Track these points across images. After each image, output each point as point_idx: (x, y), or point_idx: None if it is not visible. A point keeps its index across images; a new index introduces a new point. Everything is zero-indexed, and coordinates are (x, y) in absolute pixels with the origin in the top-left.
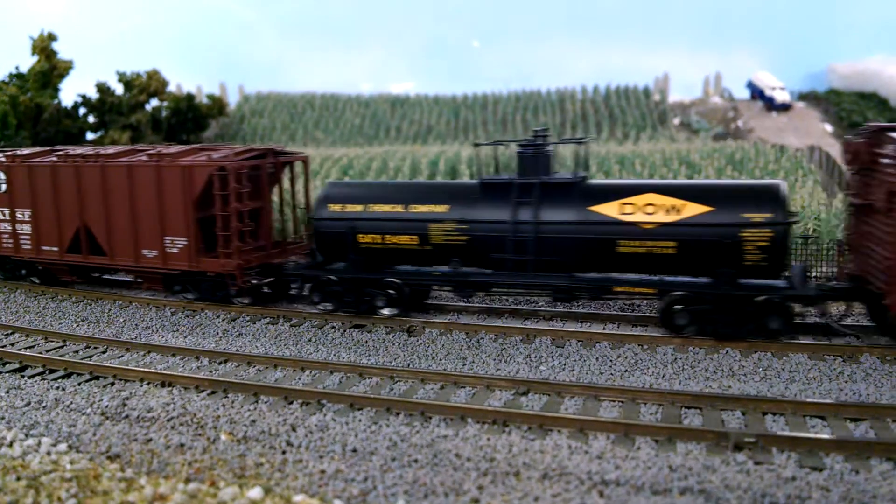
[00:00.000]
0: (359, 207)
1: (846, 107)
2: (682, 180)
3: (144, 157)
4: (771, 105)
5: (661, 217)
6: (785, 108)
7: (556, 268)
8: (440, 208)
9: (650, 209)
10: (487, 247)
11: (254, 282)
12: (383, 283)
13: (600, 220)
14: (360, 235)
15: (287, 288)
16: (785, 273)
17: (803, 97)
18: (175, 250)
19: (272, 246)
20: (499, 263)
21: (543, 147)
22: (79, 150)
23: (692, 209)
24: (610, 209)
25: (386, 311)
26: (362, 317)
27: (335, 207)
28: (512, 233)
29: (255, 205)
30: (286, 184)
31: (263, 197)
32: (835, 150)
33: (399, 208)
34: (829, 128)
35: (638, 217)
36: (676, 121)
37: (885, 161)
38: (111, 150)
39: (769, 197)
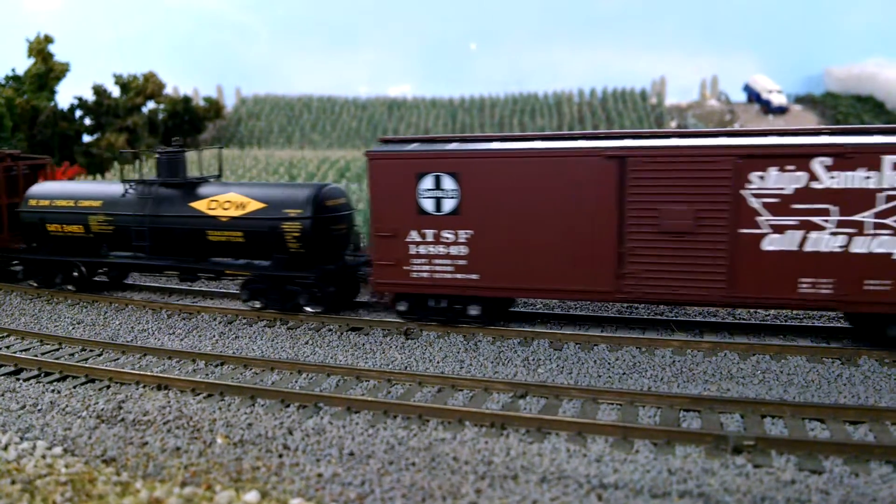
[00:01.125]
0: (47, 202)
1: (843, 110)
2: (255, 182)
3: None
4: (768, 108)
5: (233, 212)
6: (781, 111)
7: (171, 252)
8: (96, 203)
9: (227, 206)
10: (126, 235)
11: None
12: (67, 265)
13: (195, 215)
14: (48, 225)
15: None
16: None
17: (800, 100)
18: None
19: (10, 235)
20: (135, 248)
21: (175, 154)
22: None
23: (254, 206)
24: (202, 206)
25: (68, 287)
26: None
27: (33, 202)
28: (137, 224)
29: None
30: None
31: (1, 195)
32: None
33: (71, 203)
34: None
35: (218, 212)
36: (673, 123)
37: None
38: None
39: (304, 197)
